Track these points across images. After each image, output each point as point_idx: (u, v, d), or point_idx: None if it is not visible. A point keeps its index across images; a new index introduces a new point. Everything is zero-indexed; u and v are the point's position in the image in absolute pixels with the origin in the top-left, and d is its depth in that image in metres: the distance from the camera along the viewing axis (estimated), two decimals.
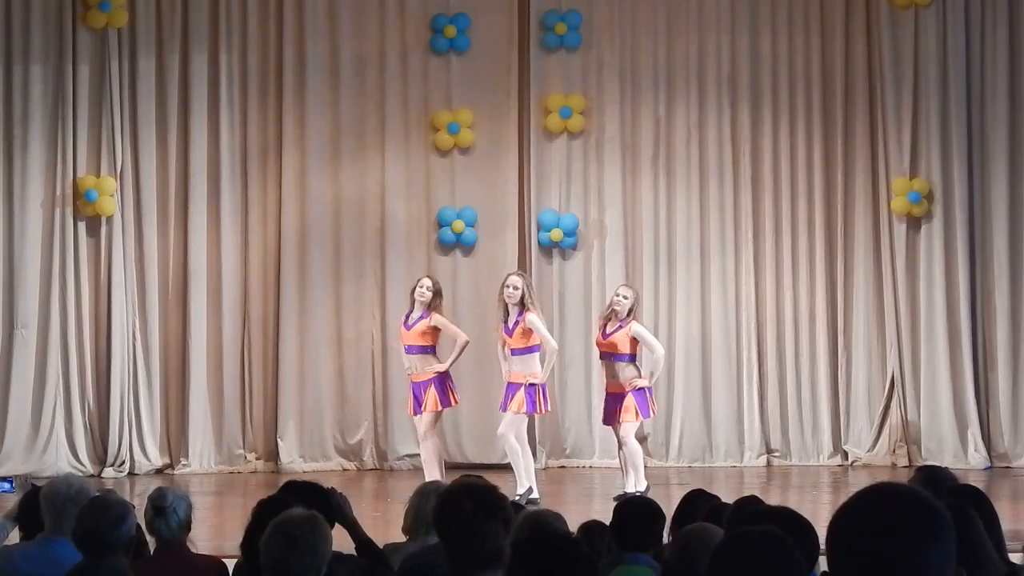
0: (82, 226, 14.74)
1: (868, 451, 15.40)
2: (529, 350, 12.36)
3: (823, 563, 2.89)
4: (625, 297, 12.48)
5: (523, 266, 15.25)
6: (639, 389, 12.34)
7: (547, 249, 15.49)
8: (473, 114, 15.33)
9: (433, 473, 12.19)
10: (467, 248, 15.36)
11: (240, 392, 15.09)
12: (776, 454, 15.52)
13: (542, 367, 12.49)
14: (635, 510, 5.75)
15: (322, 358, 15.19)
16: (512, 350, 12.40)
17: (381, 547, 6.09)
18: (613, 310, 12.50)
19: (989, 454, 15.19)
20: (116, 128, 14.71)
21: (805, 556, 4.09)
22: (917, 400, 15.33)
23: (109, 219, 14.70)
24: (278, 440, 15.09)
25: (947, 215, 15.32)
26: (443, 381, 12.45)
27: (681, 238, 15.55)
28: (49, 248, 14.64)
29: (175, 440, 14.96)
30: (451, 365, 12.51)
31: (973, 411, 15.19)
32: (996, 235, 15.25)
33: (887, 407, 15.41)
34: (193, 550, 6.16)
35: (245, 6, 15.12)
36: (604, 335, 12.52)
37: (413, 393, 12.56)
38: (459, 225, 15.26)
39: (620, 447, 12.64)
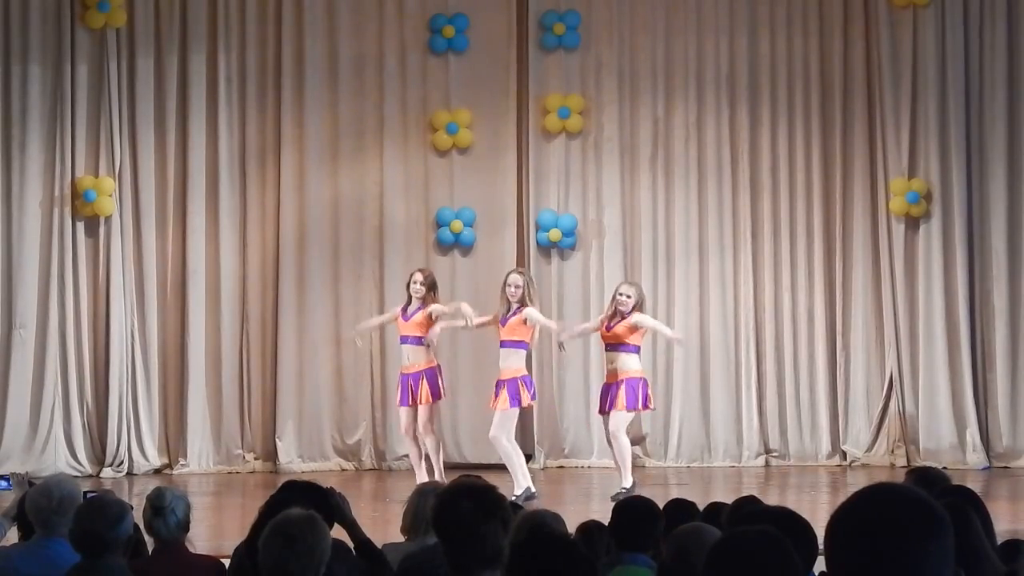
0: (80, 226, 14.74)
1: (866, 451, 15.40)
2: (517, 344, 12.43)
3: (822, 563, 2.89)
4: (628, 296, 12.53)
5: (521, 266, 15.26)
6: (632, 380, 12.42)
7: (545, 249, 15.49)
8: (472, 114, 15.33)
9: (426, 472, 12.36)
10: (465, 248, 15.35)
11: (239, 392, 15.09)
12: (775, 454, 15.52)
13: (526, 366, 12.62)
14: (633, 510, 5.74)
15: (320, 358, 15.19)
16: (501, 341, 12.47)
17: (380, 547, 6.08)
18: (617, 309, 12.55)
19: (988, 454, 15.18)
20: (115, 128, 14.71)
21: (803, 556, 4.09)
22: (916, 400, 15.33)
23: (107, 219, 14.69)
24: (277, 440, 15.09)
25: (945, 215, 15.32)
26: (434, 374, 12.56)
27: (680, 238, 15.55)
28: (47, 248, 14.63)
29: (173, 440, 14.96)
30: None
31: (972, 411, 15.19)
32: (995, 235, 15.24)
33: (886, 407, 15.41)
34: (192, 550, 6.17)
35: (244, 6, 15.12)
36: (608, 327, 12.60)
37: (402, 384, 12.66)
38: (457, 225, 15.26)
39: (609, 442, 12.71)
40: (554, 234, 15.36)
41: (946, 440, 15.22)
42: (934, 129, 15.31)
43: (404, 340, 12.74)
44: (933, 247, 15.34)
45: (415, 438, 12.66)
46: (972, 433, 15.16)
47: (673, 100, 15.61)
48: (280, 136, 15.17)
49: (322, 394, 15.20)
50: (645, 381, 12.64)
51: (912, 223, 15.42)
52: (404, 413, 12.73)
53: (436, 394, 12.57)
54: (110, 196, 14.62)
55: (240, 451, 15.09)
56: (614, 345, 12.59)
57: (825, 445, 15.49)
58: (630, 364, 12.51)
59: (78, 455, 14.63)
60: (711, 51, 15.61)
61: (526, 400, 12.51)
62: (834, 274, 15.58)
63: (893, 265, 15.37)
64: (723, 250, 15.53)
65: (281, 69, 15.18)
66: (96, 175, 14.67)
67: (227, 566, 5.97)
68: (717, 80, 15.61)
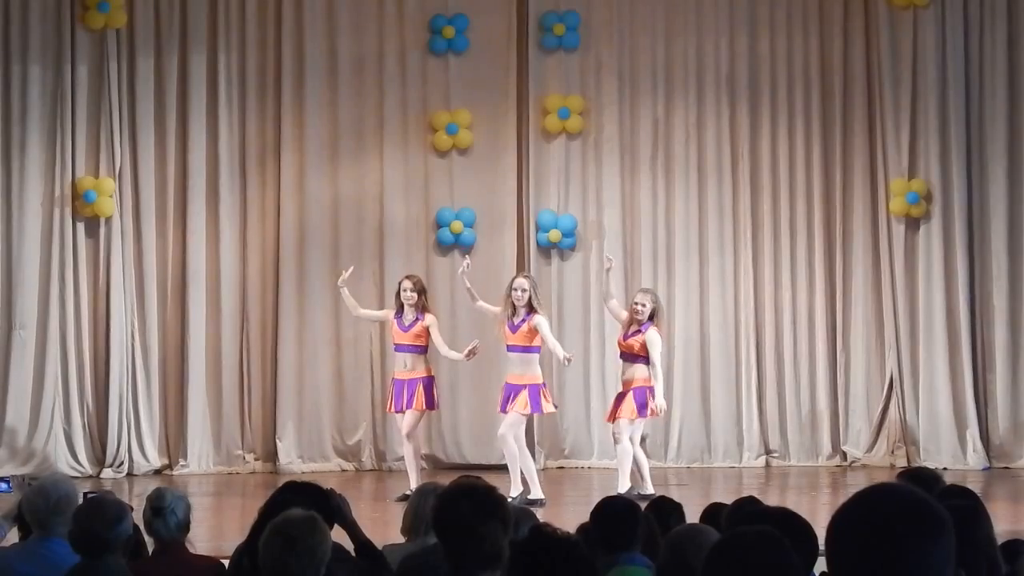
0: (80, 227, 14.73)
1: (867, 452, 15.40)
2: (528, 350, 12.43)
3: (822, 563, 2.89)
4: (643, 305, 12.66)
5: (521, 267, 15.26)
6: (641, 388, 12.46)
7: (545, 250, 15.48)
8: (471, 115, 15.32)
9: (412, 476, 12.40)
10: (465, 249, 15.32)
11: (239, 393, 15.08)
12: (775, 455, 15.51)
13: (541, 369, 12.62)
14: (610, 509, 5.74)
15: (321, 359, 15.19)
16: (510, 346, 12.47)
17: (380, 548, 6.08)
18: (634, 319, 12.65)
19: (988, 455, 15.18)
20: (115, 129, 14.70)
21: (804, 557, 4.09)
22: (916, 401, 15.32)
23: (108, 220, 14.69)
24: (277, 441, 15.09)
25: (946, 216, 15.32)
26: (431, 383, 12.59)
27: (680, 239, 15.55)
28: (48, 249, 14.63)
29: (174, 441, 14.95)
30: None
31: (972, 412, 15.18)
32: (995, 236, 15.24)
33: (886, 408, 15.41)
34: (192, 551, 6.17)
35: (244, 7, 15.12)
36: (624, 336, 12.72)
37: (395, 389, 12.73)
38: (457, 226, 15.25)
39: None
40: (554, 235, 15.35)
41: (946, 440, 15.21)
42: (934, 129, 15.31)
43: (400, 348, 12.80)
44: (933, 247, 15.33)
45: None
46: (972, 433, 15.15)
47: (673, 100, 15.61)
48: (280, 136, 15.17)
49: (322, 395, 15.20)
50: (653, 389, 12.68)
51: (912, 223, 15.41)
52: (401, 419, 12.83)
53: (430, 403, 12.64)
54: (110, 197, 14.62)
55: (240, 452, 15.08)
56: (628, 356, 12.72)
57: (825, 445, 15.48)
58: (638, 374, 12.61)
59: (78, 456, 14.62)
60: (711, 51, 15.61)
61: (548, 408, 12.53)
62: (834, 274, 15.57)
63: (893, 265, 15.37)
64: (723, 250, 15.53)
65: (281, 69, 15.18)
66: (96, 176, 14.67)
67: (227, 566, 5.96)
68: (717, 80, 15.61)
